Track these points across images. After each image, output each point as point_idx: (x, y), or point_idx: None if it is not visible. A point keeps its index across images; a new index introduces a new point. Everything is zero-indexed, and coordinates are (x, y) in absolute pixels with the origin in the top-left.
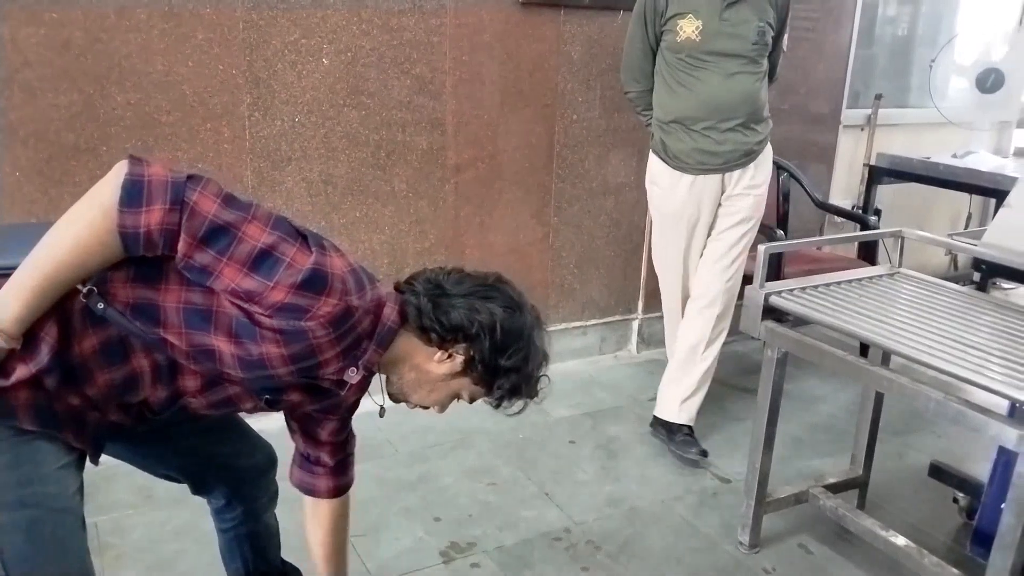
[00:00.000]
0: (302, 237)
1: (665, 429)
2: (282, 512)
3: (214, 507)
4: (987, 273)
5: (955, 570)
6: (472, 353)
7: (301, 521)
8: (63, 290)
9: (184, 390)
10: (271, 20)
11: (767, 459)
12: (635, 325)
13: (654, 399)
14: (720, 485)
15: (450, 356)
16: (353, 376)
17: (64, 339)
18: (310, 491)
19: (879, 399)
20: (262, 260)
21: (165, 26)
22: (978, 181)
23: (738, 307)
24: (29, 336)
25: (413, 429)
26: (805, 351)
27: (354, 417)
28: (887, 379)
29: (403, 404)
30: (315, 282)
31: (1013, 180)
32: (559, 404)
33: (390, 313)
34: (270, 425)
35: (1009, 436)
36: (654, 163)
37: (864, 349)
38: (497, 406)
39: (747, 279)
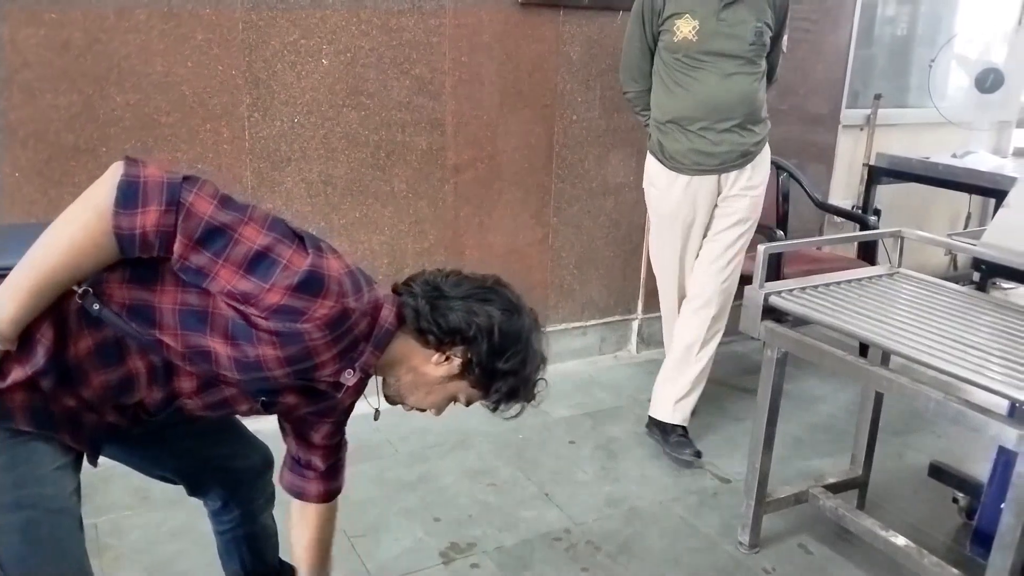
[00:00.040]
0: (299, 239)
1: (660, 430)
2: (279, 513)
3: (211, 509)
4: (987, 273)
5: (955, 570)
6: (470, 356)
7: (286, 523)
8: (59, 292)
9: (180, 391)
10: (270, 21)
11: (767, 459)
12: (635, 325)
13: None
14: (720, 485)
15: (447, 359)
16: (350, 378)
17: (60, 340)
18: (300, 495)
19: (879, 399)
20: (258, 262)
21: (164, 27)
22: (977, 181)
23: (737, 307)
24: (25, 338)
25: (413, 429)
26: (805, 351)
27: (353, 419)
28: (887, 379)
29: (400, 406)
30: (311, 284)
31: (1012, 180)
32: (559, 404)
33: (387, 315)
34: (266, 426)
35: (1009, 436)
36: (651, 164)
37: (864, 349)
38: (494, 409)
39: (746, 279)
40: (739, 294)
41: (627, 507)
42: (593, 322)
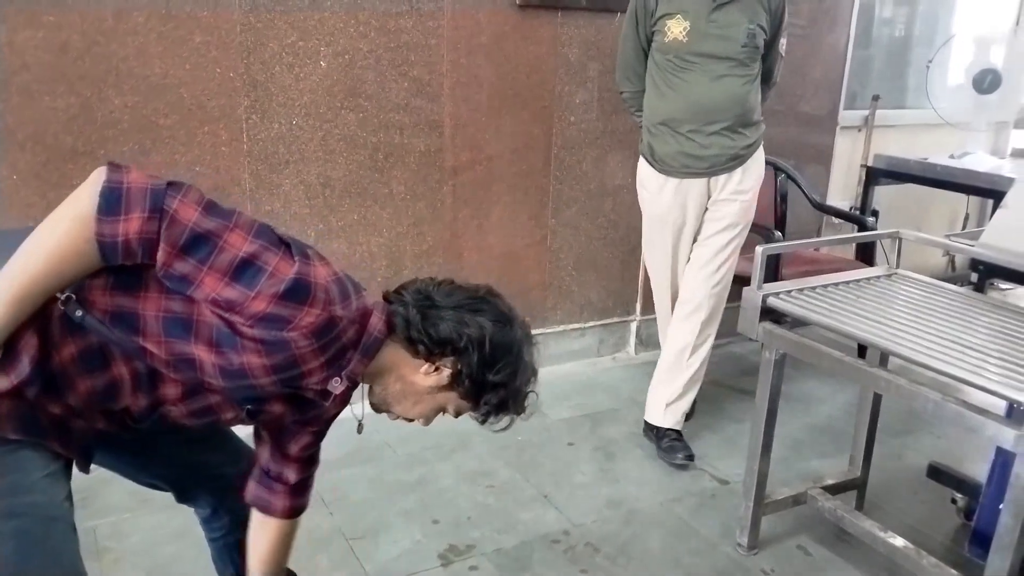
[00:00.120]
0: (285, 246)
1: (653, 433)
2: None
3: (201, 516)
4: (985, 274)
5: (953, 571)
6: (460, 367)
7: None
8: (41, 300)
9: (164, 398)
10: (268, 23)
11: (765, 460)
12: (633, 327)
13: None
14: (718, 487)
15: (437, 369)
16: (337, 386)
17: (44, 348)
18: (265, 508)
19: (877, 400)
20: (244, 269)
21: (162, 29)
22: (975, 182)
23: (735, 309)
24: (8, 347)
25: (412, 431)
26: (803, 352)
27: (352, 422)
28: (885, 380)
29: (386, 414)
30: (297, 292)
31: (1010, 181)
32: (558, 406)
33: (377, 323)
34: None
35: (1007, 437)
36: (642, 166)
37: (862, 350)
38: (483, 422)
39: (744, 280)
40: (735, 296)
41: (626, 509)
42: (591, 323)
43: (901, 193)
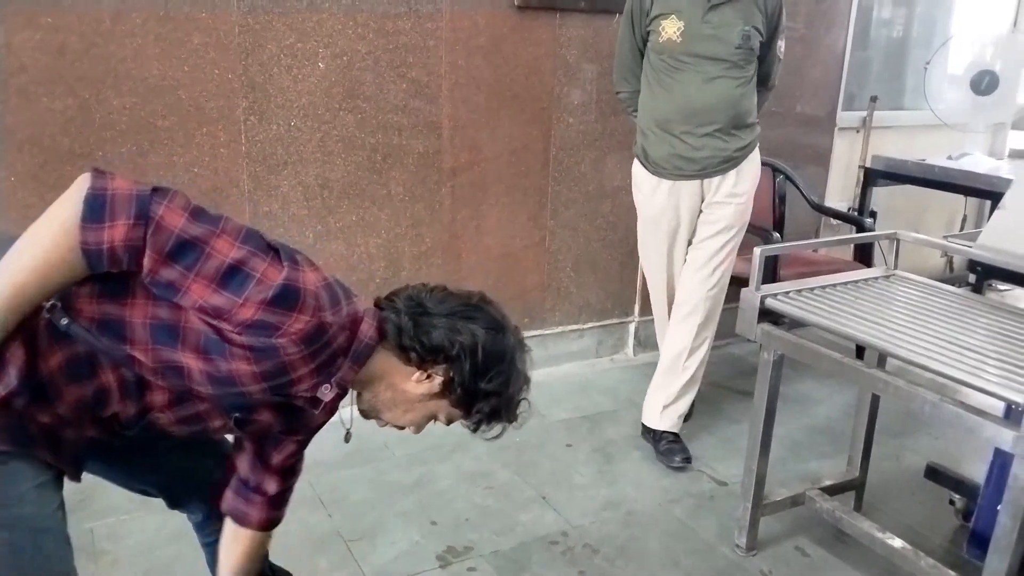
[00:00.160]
0: (274, 251)
1: (651, 436)
2: None
3: (194, 522)
4: (983, 275)
5: (951, 572)
6: (452, 375)
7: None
8: (27, 310)
9: (152, 405)
10: (266, 24)
11: (763, 462)
12: (631, 328)
13: None
14: (717, 488)
15: (428, 377)
16: (327, 393)
17: (31, 358)
18: (241, 519)
19: (875, 401)
20: (231, 276)
21: (160, 31)
22: (973, 183)
23: (734, 310)
24: None
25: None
26: (801, 353)
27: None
28: (883, 381)
29: (375, 421)
30: (286, 298)
31: (1008, 182)
32: (556, 407)
33: (367, 329)
34: None
35: (1005, 438)
36: (636, 168)
37: (860, 351)
38: (475, 430)
39: (743, 282)
40: (734, 297)
41: (624, 510)
42: (590, 325)
43: (899, 194)
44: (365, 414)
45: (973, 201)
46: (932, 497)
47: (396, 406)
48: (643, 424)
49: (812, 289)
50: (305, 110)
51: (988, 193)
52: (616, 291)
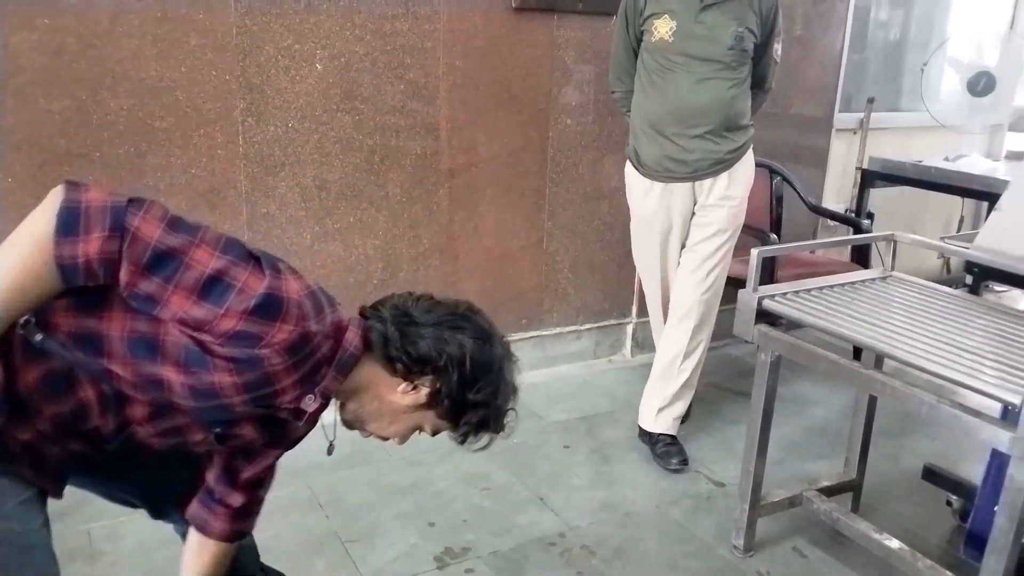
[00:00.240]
0: (255, 260)
1: (648, 438)
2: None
3: (179, 532)
4: (979, 276)
5: (949, 573)
6: (439, 386)
7: (181, 552)
8: (2, 328)
9: (132, 419)
10: (264, 25)
11: (761, 463)
12: (629, 329)
13: None
14: (714, 489)
15: (415, 387)
16: (311, 404)
17: (7, 375)
18: (202, 527)
19: (872, 402)
20: (211, 286)
21: (158, 31)
22: (970, 184)
23: (731, 311)
24: None
25: None
26: (798, 355)
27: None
28: (880, 382)
29: (359, 432)
30: (269, 307)
31: (1005, 183)
32: (554, 409)
33: (352, 338)
34: None
35: (1002, 439)
36: (628, 170)
37: (857, 352)
38: (462, 442)
39: (740, 283)
40: (731, 298)
41: (622, 511)
42: (588, 326)
43: (896, 196)
44: (349, 424)
45: (970, 202)
46: (929, 498)
47: (381, 417)
48: (640, 426)
49: (809, 290)
50: (303, 111)
51: (985, 194)
52: (614, 292)
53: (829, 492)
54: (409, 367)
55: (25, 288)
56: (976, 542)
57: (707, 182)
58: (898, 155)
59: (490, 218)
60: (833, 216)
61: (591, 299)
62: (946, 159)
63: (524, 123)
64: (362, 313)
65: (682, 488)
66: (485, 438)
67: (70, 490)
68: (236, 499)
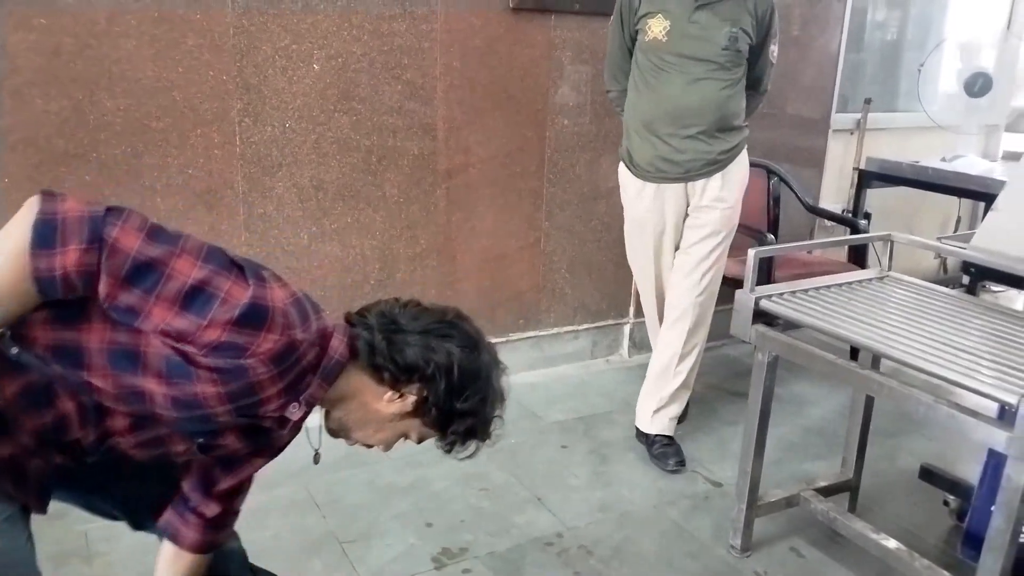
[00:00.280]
0: (238, 268)
1: (644, 439)
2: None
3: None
4: (976, 276)
5: (946, 573)
6: (426, 394)
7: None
8: None
9: (112, 430)
10: (261, 26)
11: (758, 463)
12: (627, 329)
13: None
14: (711, 489)
15: (402, 396)
16: (295, 412)
17: None
18: (173, 536)
19: (869, 402)
20: (194, 297)
21: (155, 32)
22: (967, 185)
23: (729, 311)
24: None
25: None
26: (795, 355)
27: None
28: (877, 382)
29: (344, 440)
30: (254, 317)
31: (1001, 184)
32: (551, 409)
33: (338, 345)
34: None
35: (998, 439)
36: (621, 170)
37: (854, 353)
38: (448, 451)
39: (737, 283)
40: (728, 298)
41: (619, 511)
42: (585, 326)
43: (893, 196)
44: (334, 433)
45: (967, 203)
46: (926, 498)
47: (367, 425)
48: (637, 427)
49: (806, 290)
50: (300, 112)
51: (982, 195)
52: (611, 292)
53: (826, 492)
54: (396, 376)
55: (2, 301)
56: (973, 542)
57: (700, 183)
58: (895, 155)
59: (487, 218)
60: (830, 216)
61: (588, 299)
62: (943, 159)
63: (521, 123)
64: (347, 320)
65: (679, 488)
66: (472, 446)
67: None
68: (212, 509)
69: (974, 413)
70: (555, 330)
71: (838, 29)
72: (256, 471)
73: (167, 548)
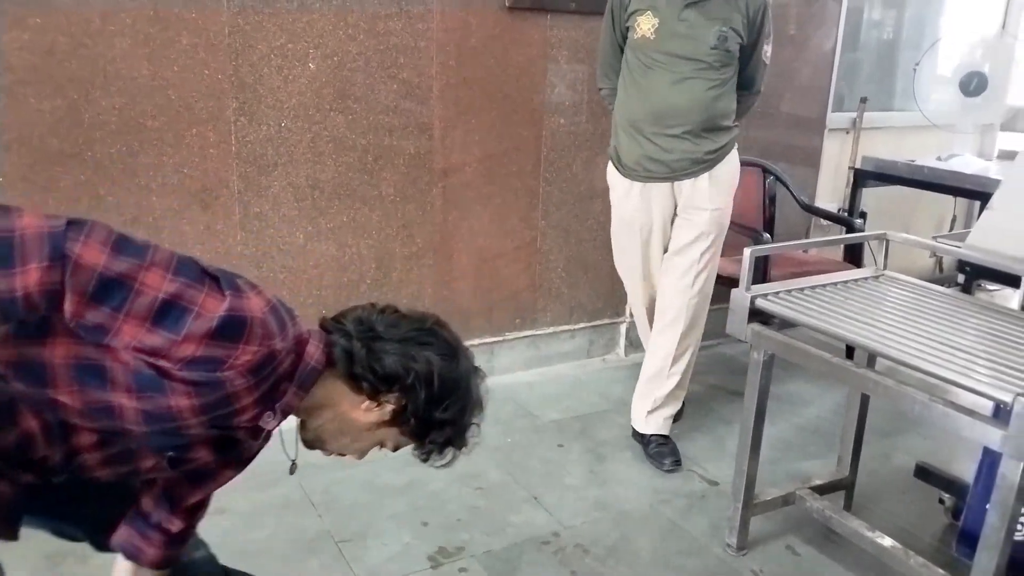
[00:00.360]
0: (212, 279)
1: (640, 438)
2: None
3: None
4: (971, 275)
5: (941, 571)
6: (405, 403)
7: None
8: None
9: (79, 447)
10: (257, 24)
11: (754, 461)
12: (623, 328)
13: None
14: (708, 488)
15: (379, 405)
16: (270, 421)
17: None
18: (134, 555)
19: (865, 401)
20: (166, 312)
21: (150, 30)
22: (962, 184)
23: (724, 310)
24: None
25: None
26: (791, 353)
27: None
28: (873, 381)
29: (320, 451)
30: (232, 329)
31: (997, 182)
32: (547, 408)
33: (314, 352)
34: None
35: (993, 437)
36: (610, 170)
37: (850, 351)
38: (425, 459)
39: (733, 282)
40: (724, 298)
41: (615, 510)
42: (581, 325)
43: (889, 195)
44: (309, 444)
45: (962, 202)
46: (922, 496)
47: (343, 435)
48: (633, 427)
49: (802, 289)
50: (296, 111)
51: (977, 194)
52: (607, 291)
53: (822, 490)
54: (375, 385)
55: None
56: (968, 540)
57: (687, 183)
58: (891, 154)
59: (484, 217)
60: (826, 215)
61: (585, 298)
62: (938, 158)
63: (517, 123)
64: (323, 326)
65: (675, 487)
66: (449, 454)
67: None
68: (175, 524)
69: (969, 412)
70: (551, 329)
71: (834, 28)
72: (223, 484)
73: (124, 566)
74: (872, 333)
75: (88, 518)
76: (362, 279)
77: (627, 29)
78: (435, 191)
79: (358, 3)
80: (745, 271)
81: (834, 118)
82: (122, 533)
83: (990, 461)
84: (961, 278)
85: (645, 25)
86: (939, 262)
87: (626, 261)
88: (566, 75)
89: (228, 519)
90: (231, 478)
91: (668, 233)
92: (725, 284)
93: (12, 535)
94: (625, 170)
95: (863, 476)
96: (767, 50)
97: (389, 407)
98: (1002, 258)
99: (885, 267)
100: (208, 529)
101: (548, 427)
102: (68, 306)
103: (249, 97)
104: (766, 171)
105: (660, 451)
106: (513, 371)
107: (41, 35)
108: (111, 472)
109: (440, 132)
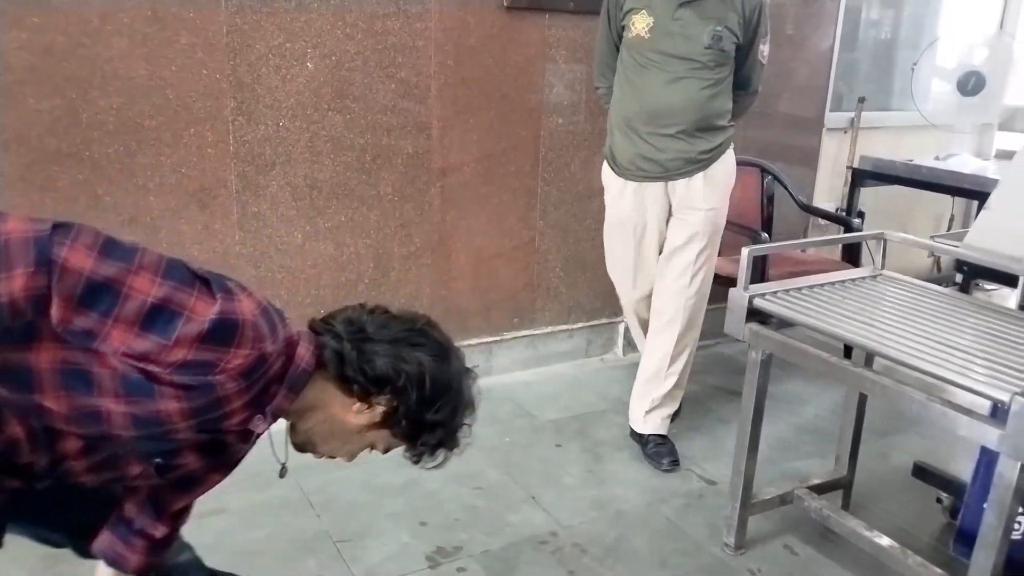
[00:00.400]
0: (202, 281)
1: (638, 438)
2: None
3: None
4: (969, 275)
5: (939, 570)
6: (396, 405)
7: None
8: None
9: (65, 453)
10: (255, 24)
11: (752, 461)
12: (621, 328)
13: None
14: (705, 487)
15: (370, 407)
16: (260, 424)
17: None
18: (116, 562)
19: (863, 400)
20: (155, 316)
21: (148, 30)
22: (960, 183)
23: (722, 310)
24: None
25: None
26: (789, 353)
27: None
28: (870, 380)
29: (311, 454)
30: (223, 332)
31: (994, 182)
32: (545, 407)
33: (304, 354)
34: None
35: (991, 436)
36: (604, 169)
37: (848, 351)
38: (417, 461)
39: (731, 282)
40: (722, 297)
41: (613, 510)
42: (580, 325)
43: (887, 194)
44: (300, 447)
45: (960, 201)
46: (919, 495)
47: (333, 438)
48: (630, 427)
49: (800, 289)
50: (294, 110)
51: (975, 193)
52: (606, 291)
53: (820, 490)
54: (366, 387)
55: None
56: (965, 539)
57: (681, 183)
58: (889, 154)
59: (482, 217)
60: (824, 215)
61: (583, 298)
62: (936, 158)
63: (516, 122)
64: (312, 327)
65: (673, 486)
66: (440, 456)
67: None
68: (159, 530)
69: (967, 411)
70: (549, 329)
71: (832, 28)
72: (210, 489)
73: (106, 573)
74: (870, 333)
75: (70, 524)
76: (360, 279)
77: (622, 28)
78: (433, 191)
79: (356, 2)
80: (743, 270)
81: (832, 118)
82: (104, 539)
83: (987, 460)
84: (959, 278)
85: (640, 24)
86: (937, 262)
87: (618, 263)
88: (564, 75)
89: (226, 519)
90: (218, 482)
91: (663, 233)
92: (723, 284)
93: None
94: (620, 169)
95: (861, 475)
96: (764, 50)
97: (380, 409)
98: (1000, 257)
99: (883, 267)
100: (205, 529)
101: (546, 427)
102: (55, 311)
103: (247, 97)
104: (764, 171)
105: (658, 451)
106: (511, 371)
107: (39, 35)
108: (97, 478)
109: (438, 132)
